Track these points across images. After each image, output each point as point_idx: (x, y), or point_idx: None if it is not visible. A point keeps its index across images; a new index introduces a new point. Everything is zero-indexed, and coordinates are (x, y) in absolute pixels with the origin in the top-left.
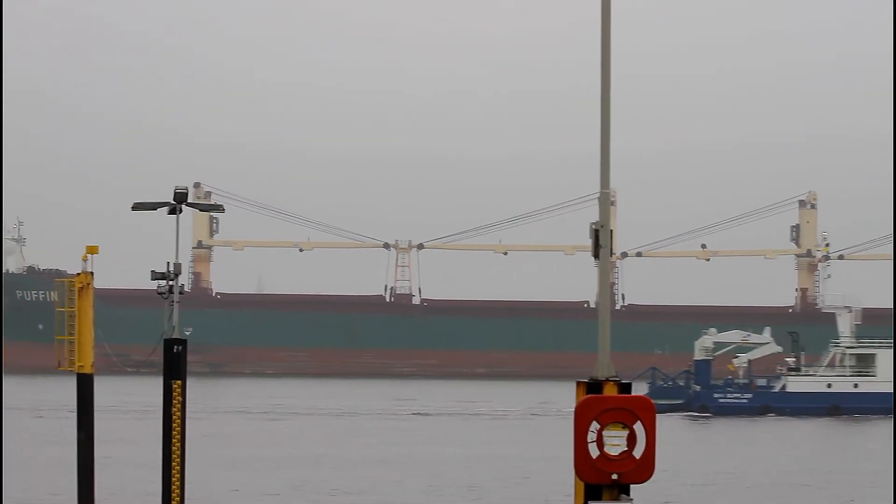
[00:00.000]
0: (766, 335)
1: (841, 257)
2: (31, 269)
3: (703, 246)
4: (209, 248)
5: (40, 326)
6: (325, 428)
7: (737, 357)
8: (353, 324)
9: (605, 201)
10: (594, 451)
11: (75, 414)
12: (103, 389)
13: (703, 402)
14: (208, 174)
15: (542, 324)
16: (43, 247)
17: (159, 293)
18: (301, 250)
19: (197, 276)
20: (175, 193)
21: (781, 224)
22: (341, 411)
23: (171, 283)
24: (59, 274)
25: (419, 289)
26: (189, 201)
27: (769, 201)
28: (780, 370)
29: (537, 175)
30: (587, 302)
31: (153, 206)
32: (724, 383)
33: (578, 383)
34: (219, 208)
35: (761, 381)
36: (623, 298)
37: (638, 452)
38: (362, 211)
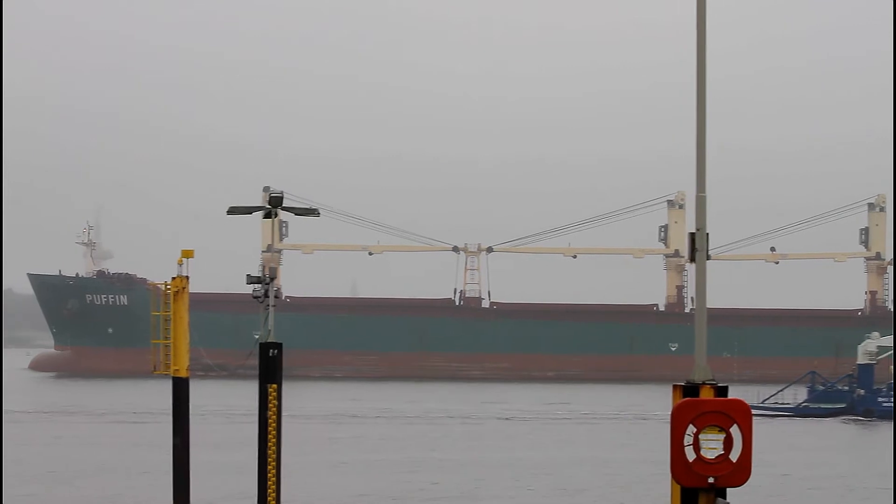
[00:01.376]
0: None
1: None
2: (101, 272)
3: (773, 249)
4: (278, 251)
5: (110, 330)
6: (453, 432)
7: None
8: (423, 327)
9: (702, 205)
10: (691, 455)
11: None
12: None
13: (867, 406)
14: (275, 180)
15: (612, 327)
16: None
17: (254, 297)
18: (370, 254)
19: None
20: (271, 198)
21: (850, 227)
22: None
23: (266, 286)
24: (129, 278)
25: (488, 292)
26: (284, 205)
27: (838, 204)
28: None
29: (608, 177)
30: (656, 305)
31: (248, 211)
32: (886, 388)
33: (675, 387)
34: (314, 212)
35: None
36: (692, 301)
37: (734, 456)
38: (432, 214)
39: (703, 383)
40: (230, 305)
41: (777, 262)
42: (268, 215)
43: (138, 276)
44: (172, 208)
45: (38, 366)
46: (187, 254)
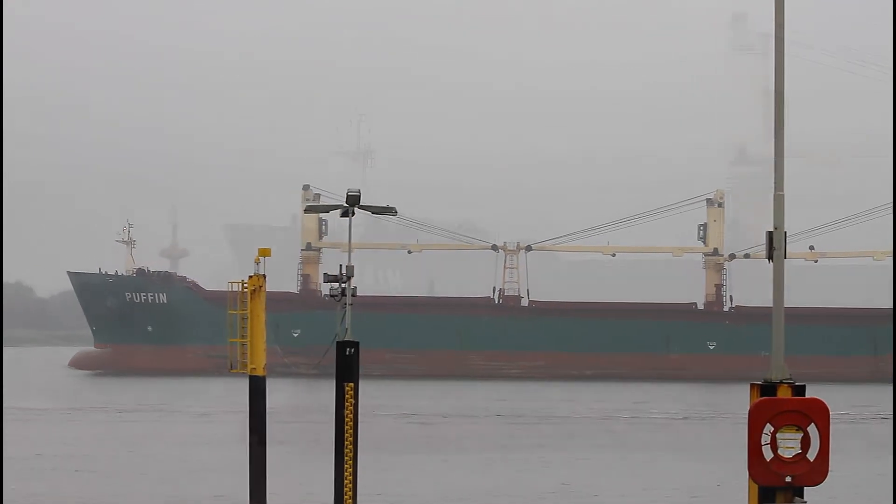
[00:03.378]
0: None
1: None
2: (140, 270)
3: (811, 248)
4: (318, 250)
5: (149, 328)
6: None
7: None
8: (461, 326)
9: (780, 203)
10: (768, 454)
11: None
12: (237, 388)
13: None
14: (311, 179)
15: (651, 326)
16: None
17: (331, 296)
18: (409, 252)
19: (306, 279)
20: (348, 196)
21: (889, 224)
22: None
23: (343, 285)
24: (168, 276)
25: (527, 290)
26: (362, 204)
27: (879, 201)
28: None
29: (645, 173)
30: (695, 303)
31: (326, 209)
32: None
33: (752, 385)
34: (391, 211)
35: None
36: (731, 300)
37: (812, 455)
38: (471, 212)
39: (781, 382)
40: (267, 304)
41: (816, 261)
42: (345, 214)
43: (178, 274)
44: (199, 208)
45: (77, 363)
46: (264, 252)
